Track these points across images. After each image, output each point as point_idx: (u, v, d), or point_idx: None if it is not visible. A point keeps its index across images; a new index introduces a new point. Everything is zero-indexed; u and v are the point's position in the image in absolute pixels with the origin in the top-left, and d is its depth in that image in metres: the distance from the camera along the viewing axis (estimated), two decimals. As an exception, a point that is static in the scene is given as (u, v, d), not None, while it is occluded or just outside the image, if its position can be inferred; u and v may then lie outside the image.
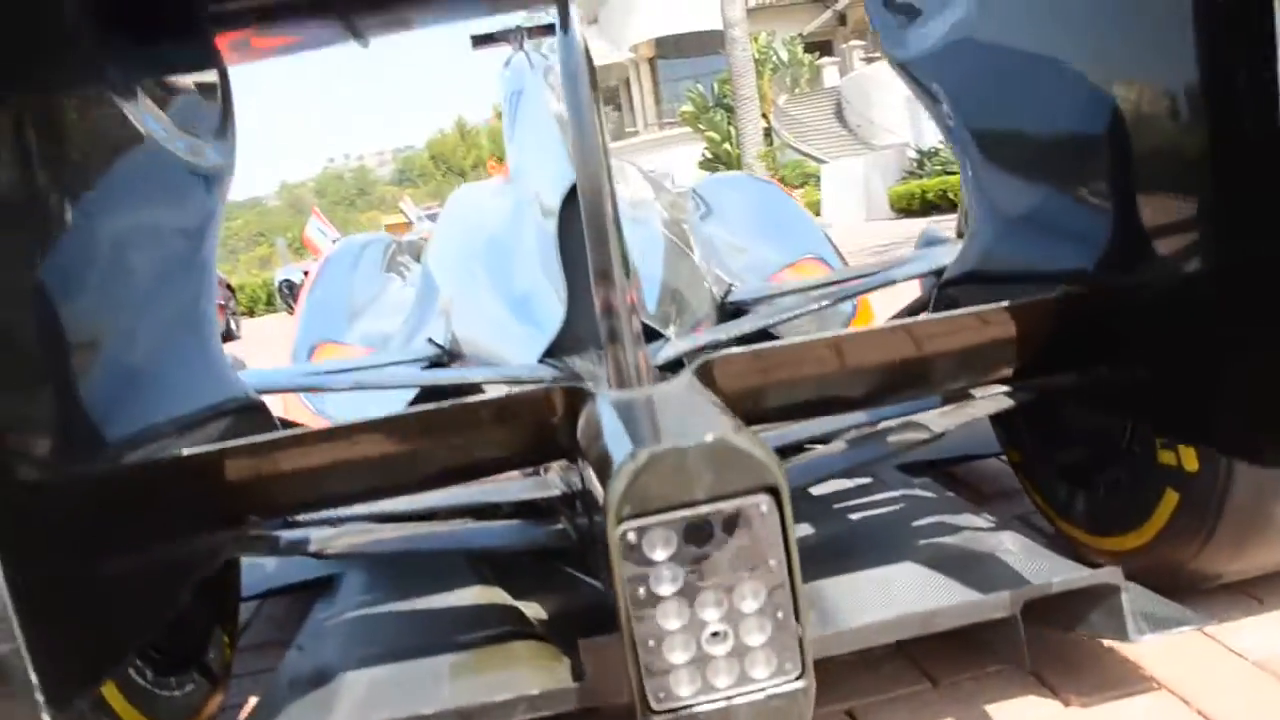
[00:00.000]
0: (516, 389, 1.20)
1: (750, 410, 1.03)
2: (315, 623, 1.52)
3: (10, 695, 0.69)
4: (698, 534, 0.68)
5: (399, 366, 2.00)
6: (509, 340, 1.72)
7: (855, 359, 1.16)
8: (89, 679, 0.89)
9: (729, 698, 0.70)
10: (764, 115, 26.02)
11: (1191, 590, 1.30)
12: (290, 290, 16.27)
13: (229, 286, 15.84)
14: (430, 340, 2.08)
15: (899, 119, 17.71)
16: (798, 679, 0.70)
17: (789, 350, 1.14)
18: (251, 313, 20.37)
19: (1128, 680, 1.19)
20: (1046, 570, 1.16)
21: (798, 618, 0.68)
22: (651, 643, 0.69)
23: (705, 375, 0.95)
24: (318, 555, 1.21)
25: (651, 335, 1.52)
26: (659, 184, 3.62)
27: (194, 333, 1.24)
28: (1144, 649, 1.22)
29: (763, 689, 0.70)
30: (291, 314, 17.38)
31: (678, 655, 0.69)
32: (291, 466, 1.11)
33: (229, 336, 11.81)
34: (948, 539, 1.32)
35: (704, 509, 0.67)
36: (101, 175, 1.03)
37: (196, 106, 1.27)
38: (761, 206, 3.56)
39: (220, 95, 1.38)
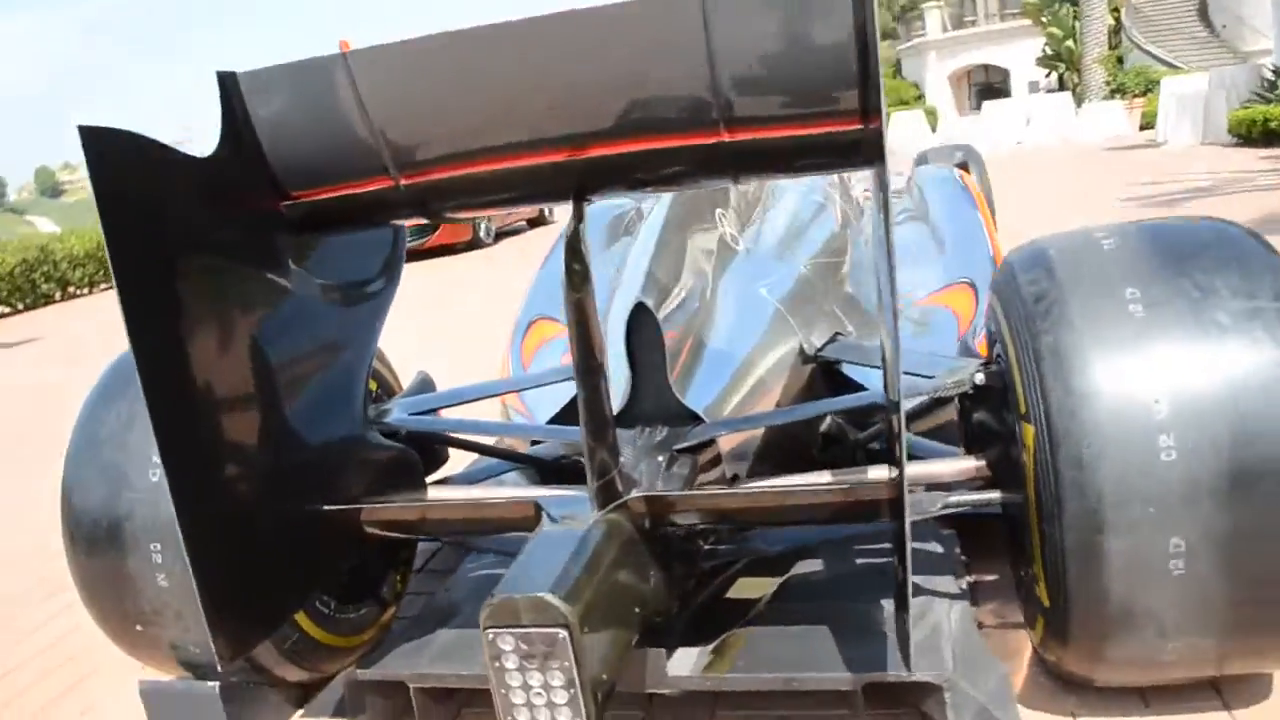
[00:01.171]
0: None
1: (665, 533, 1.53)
2: (461, 573, 2.20)
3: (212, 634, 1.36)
4: (526, 642, 1.20)
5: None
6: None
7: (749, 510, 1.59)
8: (270, 626, 1.58)
9: (542, 717, 1.23)
10: (1114, 11, 23.39)
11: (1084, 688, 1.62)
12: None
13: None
14: None
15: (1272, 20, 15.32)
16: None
17: (694, 498, 1.59)
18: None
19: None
20: (897, 660, 1.54)
21: (584, 691, 1.20)
22: (502, 695, 1.24)
23: (629, 512, 1.46)
24: None
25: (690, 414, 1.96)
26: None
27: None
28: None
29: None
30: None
31: (518, 700, 1.23)
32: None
33: (475, 245, 12.92)
34: (863, 609, 1.72)
35: (529, 629, 1.20)
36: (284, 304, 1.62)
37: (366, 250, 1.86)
38: (948, 214, 3.72)
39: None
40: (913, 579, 1.84)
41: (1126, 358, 1.37)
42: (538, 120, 1.38)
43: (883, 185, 1.29)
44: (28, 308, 12.92)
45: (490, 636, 1.22)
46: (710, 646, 1.65)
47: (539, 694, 1.22)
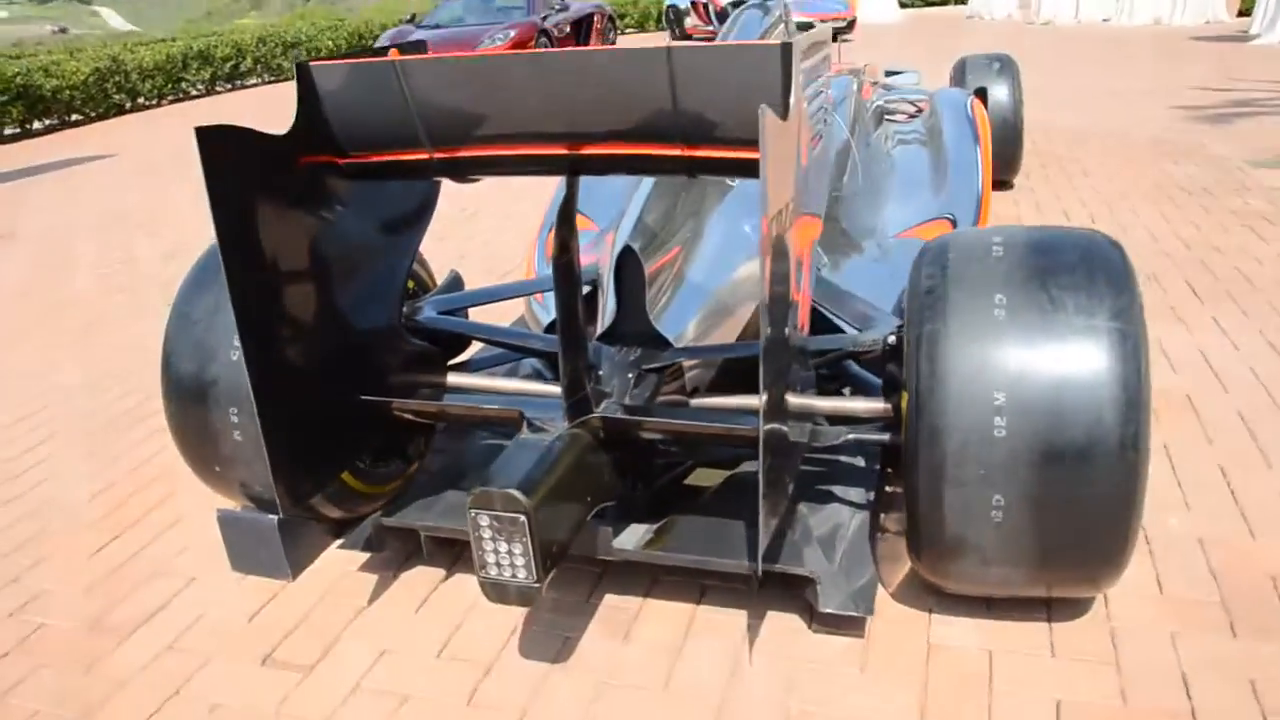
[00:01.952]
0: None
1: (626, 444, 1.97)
2: (472, 441, 2.68)
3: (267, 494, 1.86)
4: (497, 520, 1.67)
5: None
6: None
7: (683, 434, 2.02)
8: (321, 482, 2.08)
9: (505, 575, 1.71)
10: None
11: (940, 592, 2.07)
12: (675, 16, 17.78)
13: (610, 18, 17.80)
14: None
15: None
16: (535, 580, 1.69)
17: (642, 422, 2.01)
18: (642, 27, 22.29)
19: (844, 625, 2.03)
20: (791, 554, 2.00)
21: (535, 558, 1.67)
22: (479, 554, 1.71)
23: (588, 426, 1.89)
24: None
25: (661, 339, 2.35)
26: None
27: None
28: (882, 623, 2.03)
29: (519, 578, 1.70)
30: (672, 37, 18.44)
31: (489, 559, 1.71)
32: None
33: None
34: (798, 510, 2.16)
35: (499, 513, 1.66)
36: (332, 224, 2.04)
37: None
38: (951, 145, 3.94)
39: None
40: (834, 489, 2.28)
41: (981, 353, 1.74)
42: (542, 124, 1.75)
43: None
44: (99, 117, 13.37)
45: (473, 514, 1.68)
46: (652, 528, 2.12)
47: (505, 557, 1.70)
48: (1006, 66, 5.30)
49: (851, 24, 17.29)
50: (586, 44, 15.32)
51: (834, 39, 3.93)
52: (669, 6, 18.59)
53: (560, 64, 1.68)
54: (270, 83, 16.44)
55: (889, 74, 5.37)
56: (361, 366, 2.10)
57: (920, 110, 4.64)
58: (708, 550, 2.04)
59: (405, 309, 2.49)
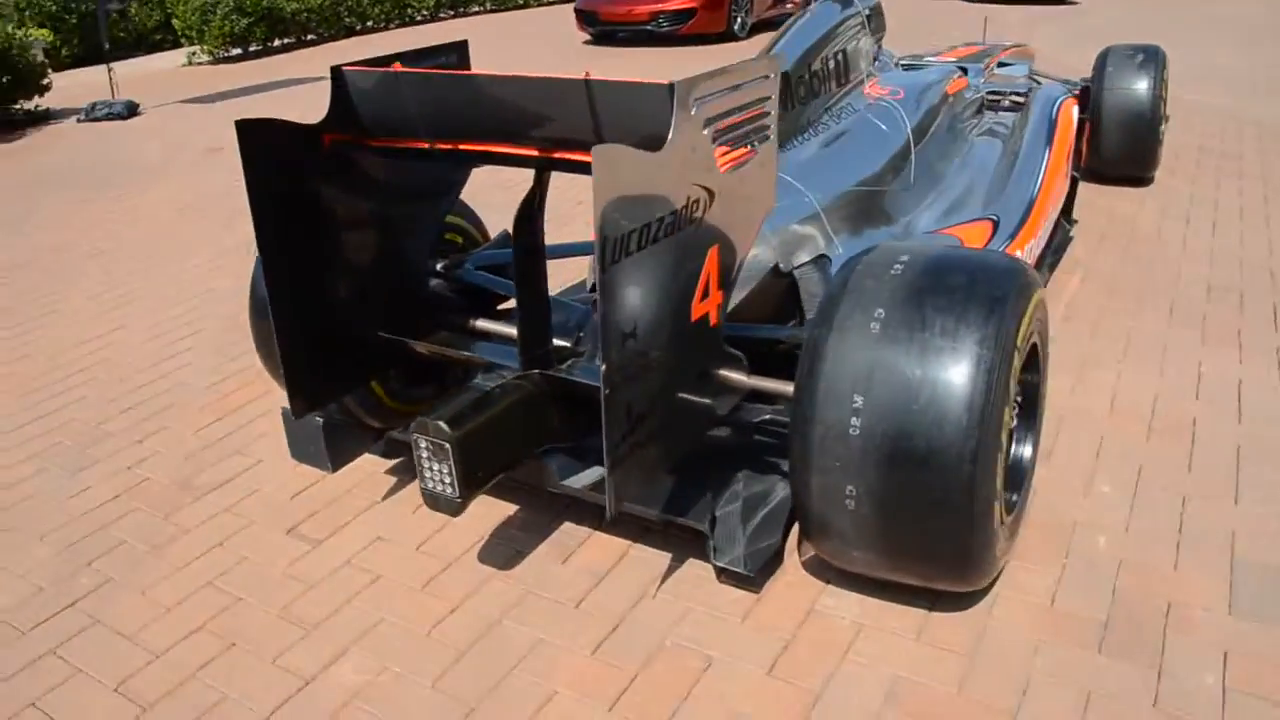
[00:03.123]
0: None
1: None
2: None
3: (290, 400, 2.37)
4: (433, 446, 2.07)
5: None
6: None
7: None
8: (333, 396, 2.56)
9: (437, 488, 2.12)
10: None
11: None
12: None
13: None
14: None
15: None
16: (457, 495, 2.10)
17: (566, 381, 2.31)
18: None
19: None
20: (715, 515, 2.31)
21: (458, 478, 2.07)
22: (418, 467, 2.13)
23: (530, 379, 2.26)
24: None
25: None
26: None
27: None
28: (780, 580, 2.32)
29: (446, 492, 2.10)
30: None
31: (427, 471, 2.12)
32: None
33: (728, 37, 12.90)
34: (700, 467, 2.45)
35: (431, 438, 2.06)
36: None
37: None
38: (1025, 146, 3.93)
39: None
40: (781, 462, 2.55)
41: (851, 359, 1.96)
42: (515, 129, 2.13)
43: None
44: (330, 38, 14.66)
45: (415, 438, 2.11)
46: (594, 470, 2.48)
47: (437, 474, 2.12)
48: (1150, 59, 5.07)
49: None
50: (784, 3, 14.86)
51: (867, 23, 3.94)
52: None
53: (526, 84, 2.05)
54: (493, 11, 17.31)
55: (1000, 66, 5.25)
56: (384, 309, 2.55)
57: (1020, 103, 4.57)
58: (642, 499, 2.37)
59: (449, 262, 2.93)
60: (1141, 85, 5.01)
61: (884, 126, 3.66)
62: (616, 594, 2.33)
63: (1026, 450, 2.41)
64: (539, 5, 17.86)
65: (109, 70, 9.13)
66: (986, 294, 1.97)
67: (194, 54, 12.53)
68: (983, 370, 1.88)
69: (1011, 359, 1.95)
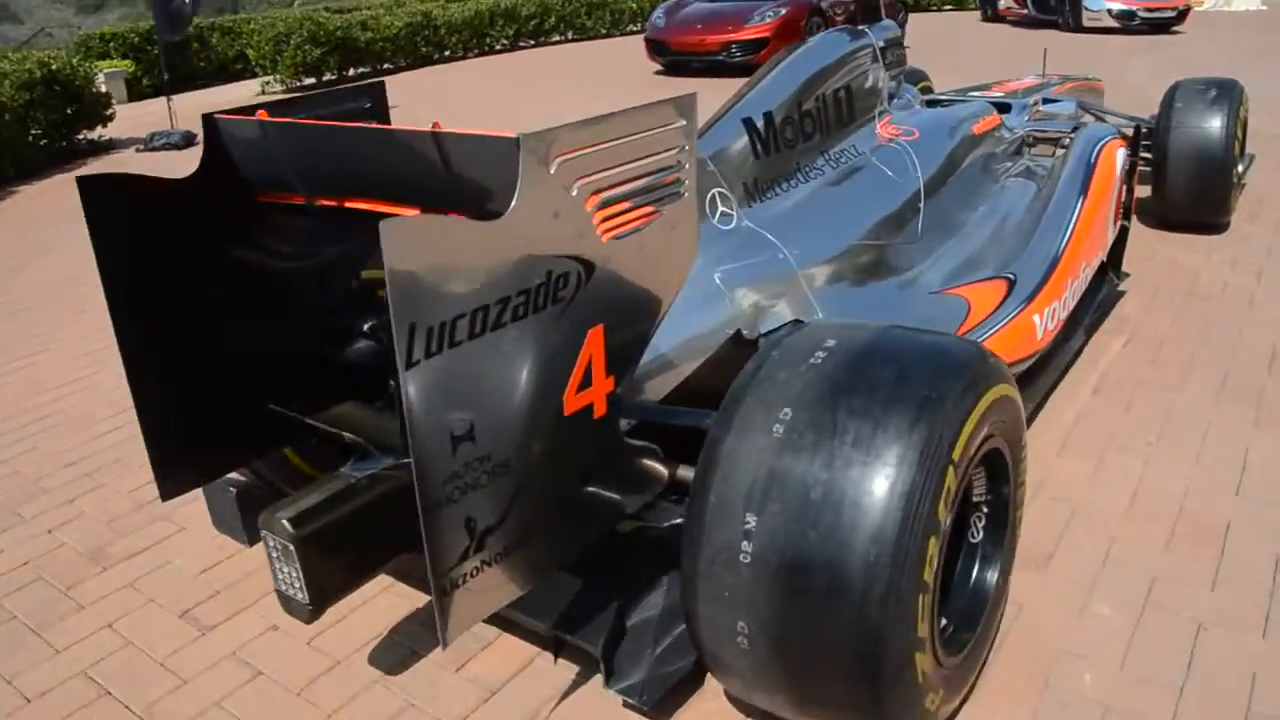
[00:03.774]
0: None
1: None
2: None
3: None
4: (280, 546, 1.83)
5: None
6: None
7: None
8: (208, 475, 2.33)
9: (288, 591, 1.85)
10: None
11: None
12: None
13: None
14: None
15: None
16: (308, 603, 1.84)
17: None
18: (960, 5, 20.91)
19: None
20: (613, 635, 2.01)
21: (305, 584, 1.81)
22: (271, 566, 1.89)
23: (403, 469, 2.00)
24: None
25: None
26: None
27: None
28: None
29: (297, 597, 1.84)
30: (984, 18, 17.62)
31: (278, 573, 1.87)
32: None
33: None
34: (593, 581, 2.12)
35: (276, 536, 1.82)
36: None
37: None
38: (1055, 195, 3.52)
39: None
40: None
41: (746, 470, 1.63)
42: (388, 184, 1.88)
43: None
44: (408, 67, 14.87)
45: (262, 533, 1.86)
46: None
47: (287, 576, 1.87)
48: (1224, 94, 4.57)
49: (1183, 14, 15.26)
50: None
51: (882, 55, 3.57)
52: None
53: (377, 134, 1.89)
54: (574, 40, 17.35)
55: (1047, 102, 4.80)
56: (274, 380, 2.31)
57: (1063, 144, 4.13)
58: (533, 609, 2.08)
59: (376, 323, 2.69)
60: (1214, 123, 4.52)
61: (890, 172, 3.30)
62: (504, 715, 2.04)
63: (991, 576, 2.02)
64: (621, 35, 17.82)
65: (168, 101, 9.33)
66: (915, 394, 1.63)
67: (268, 83, 12.80)
68: (898, 493, 1.54)
69: (943, 477, 1.60)
